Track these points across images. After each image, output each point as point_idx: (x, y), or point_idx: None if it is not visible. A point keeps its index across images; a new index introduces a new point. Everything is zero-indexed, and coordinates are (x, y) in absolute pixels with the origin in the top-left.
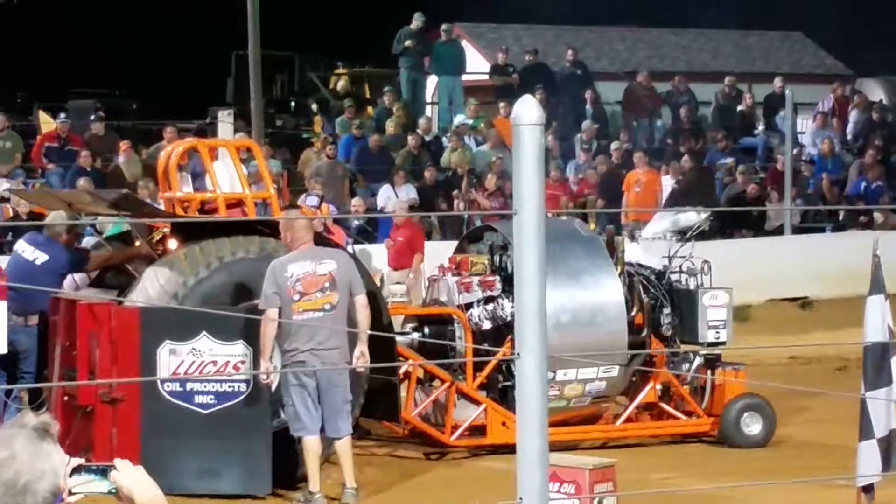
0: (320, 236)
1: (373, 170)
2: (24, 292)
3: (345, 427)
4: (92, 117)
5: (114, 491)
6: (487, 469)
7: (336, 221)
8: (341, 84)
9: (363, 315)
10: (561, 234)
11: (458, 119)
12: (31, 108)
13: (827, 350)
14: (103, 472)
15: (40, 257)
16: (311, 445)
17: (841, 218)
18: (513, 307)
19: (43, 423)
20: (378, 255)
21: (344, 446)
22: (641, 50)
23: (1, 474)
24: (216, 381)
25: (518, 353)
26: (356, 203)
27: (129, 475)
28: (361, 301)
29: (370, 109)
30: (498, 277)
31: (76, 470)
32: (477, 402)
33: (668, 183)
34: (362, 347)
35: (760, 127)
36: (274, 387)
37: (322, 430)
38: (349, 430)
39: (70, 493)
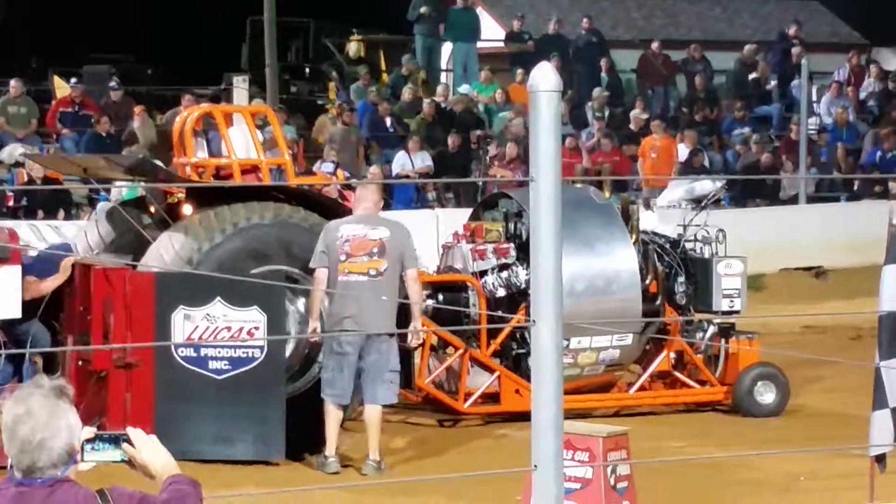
0: (336, 202)
1: (388, 137)
2: None
3: (382, 395)
4: (112, 83)
5: (126, 460)
6: (501, 436)
7: (350, 188)
8: (352, 47)
9: (414, 289)
10: (576, 201)
11: (464, 88)
12: (46, 74)
13: (841, 319)
14: (115, 442)
15: None
16: (334, 410)
17: (856, 187)
18: (527, 274)
19: (59, 385)
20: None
21: (374, 414)
22: (657, 18)
23: (17, 431)
24: (230, 346)
25: (533, 321)
26: (373, 170)
27: (142, 445)
28: (412, 275)
29: (385, 76)
30: (512, 245)
31: (89, 440)
32: (490, 370)
33: (684, 151)
34: (416, 323)
35: (773, 82)
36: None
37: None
38: (386, 399)
39: (82, 461)
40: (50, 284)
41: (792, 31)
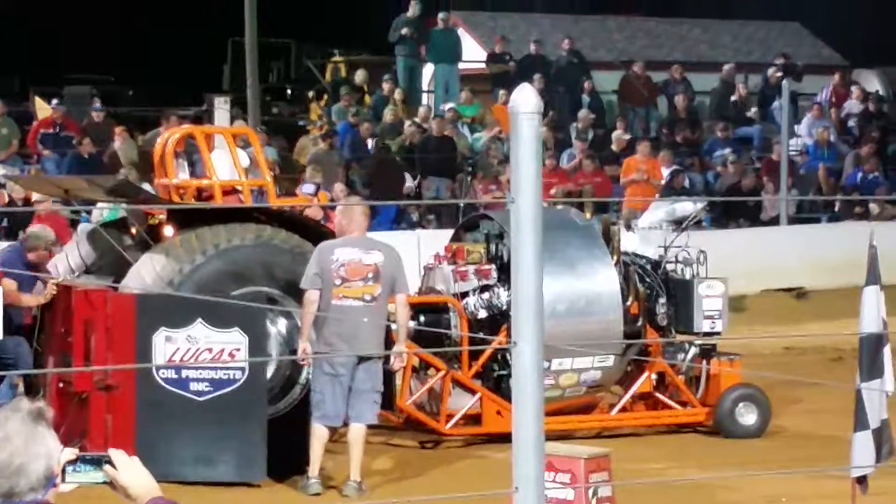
0: (318, 224)
1: (369, 158)
2: None
3: (368, 415)
4: (98, 105)
5: (108, 481)
6: (482, 458)
7: (333, 209)
8: (359, 75)
9: (403, 313)
10: (557, 223)
11: (448, 105)
12: (27, 94)
13: (822, 340)
14: (97, 463)
15: None
16: (320, 432)
17: (837, 209)
18: (508, 296)
19: (38, 408)
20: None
21: (358, 433)
22: (639, 39)
23: None
24: (211, 368)
25: (515, 342)
26: (338, 188)
27: (124, 467)
28: (402, 300)
29: (367, 98)
30: (494, 266)
31: (70, 462)
32: (472, 391)
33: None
34: (400, 346)
35: (754, 109)
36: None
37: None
38: (371, 419)
39: (63, 482)
40: (29, 300)
41: (780, 61)
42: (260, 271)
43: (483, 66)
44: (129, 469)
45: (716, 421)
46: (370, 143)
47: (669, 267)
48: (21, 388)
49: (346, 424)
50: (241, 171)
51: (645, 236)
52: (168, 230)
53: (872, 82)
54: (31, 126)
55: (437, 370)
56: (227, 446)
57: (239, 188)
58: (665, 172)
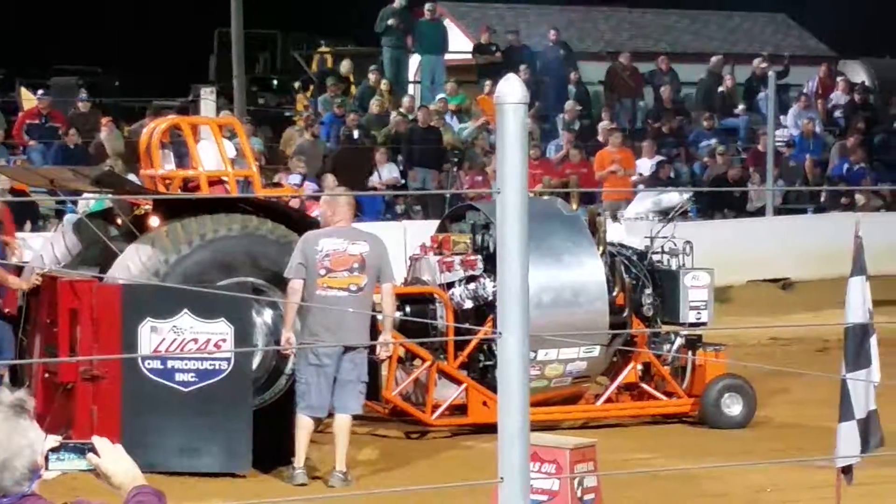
0: (302, 214)
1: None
2: None
3: (353, 405)
4: (84, 95)
5: (91, 469)
6: (468, 448)
7: (317, 199)
8: (345, 66)
9: (388, 303)
10: (543, 213)
11: (438, 96)
12: (13, 85)
13: (808, 331)
14: (81, 451)
15: None
16: (305, 422)
17: (822, 200)
18: (494, 286)
19: (18, 400)
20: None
21: (343, 423)
22: (625, 30)
23: None
24: (197, 358)
25: (500, 333)
26: (329, 180)
27: (107, 454)
28: (388, 289)
29: (353, 88)
30: (480, 257)
31: (54, 449)
32: (458, 382)
33: (645, 163)
34: (386, 335)
35: (741, 106)
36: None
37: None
38: (356, 409)
39: (47, 469)
40: (14, 280)
41: (766, 53)
42: (245, 261)
43: (469, 56)
44: (113, 456)
45: (701, 411)
46: (355, 133)
47: (655, 257)
48: (6, 378)
49: (331, 415)
50: (228, 162)
51: (631, 227)
52: (154, 220)
53: (858, 73)
54: (17, 116)
55: (423, 360)
56: (212, 437)
57: (225, 178)
58: (651, 163)
